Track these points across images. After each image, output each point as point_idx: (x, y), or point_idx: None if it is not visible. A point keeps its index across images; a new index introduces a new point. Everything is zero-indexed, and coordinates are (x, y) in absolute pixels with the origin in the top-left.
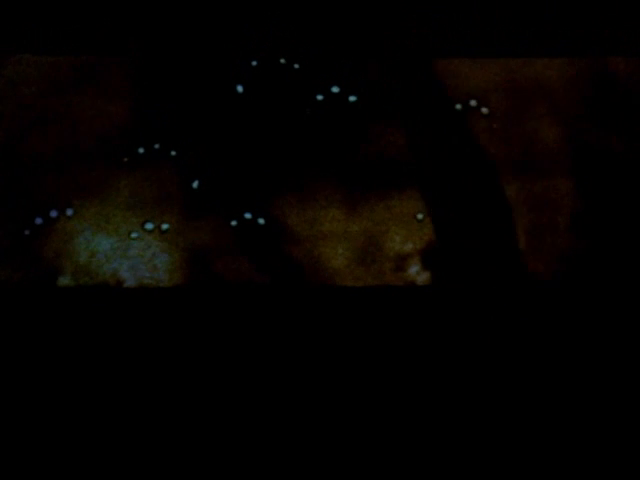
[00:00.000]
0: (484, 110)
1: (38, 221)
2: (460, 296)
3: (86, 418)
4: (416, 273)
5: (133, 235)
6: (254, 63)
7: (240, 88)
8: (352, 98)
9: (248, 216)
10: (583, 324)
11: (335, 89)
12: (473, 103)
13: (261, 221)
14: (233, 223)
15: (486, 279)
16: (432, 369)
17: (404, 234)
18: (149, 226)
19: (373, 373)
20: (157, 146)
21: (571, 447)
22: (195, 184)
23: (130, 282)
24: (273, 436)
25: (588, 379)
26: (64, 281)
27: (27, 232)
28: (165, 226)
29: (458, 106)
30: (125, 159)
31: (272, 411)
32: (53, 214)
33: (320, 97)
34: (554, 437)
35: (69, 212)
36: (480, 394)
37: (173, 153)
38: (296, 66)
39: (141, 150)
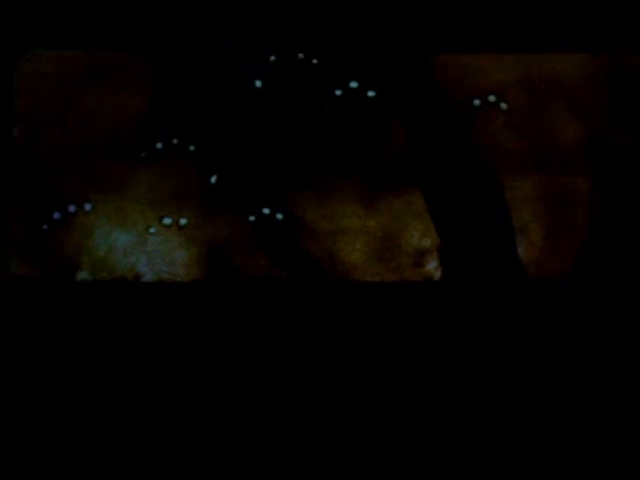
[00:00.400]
0: (503, 105)
1: (56, 216)
2: (472, 291)
3: (101, 408)
4: (434, 269)
5: (151, 230)
6: (272, 58)
7: (258, 83)
8: (371, 93)
9: (266, 211)
10: (599, 320)
11: (354, 84)
12: (492, 98)
13: (279, 216)
14: (251, 218)
15: (494, 275)
16: (447, 363)
17: (422, 230)
18: (167, 221)
19: (389, 367)
20: (175, 141)
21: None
22: (213, 179)
23: (148, 277)
24: (287, 425)
25: (601, 375)
26: (82, 275)
27: (45, 227)
28: (183, 221)
29: (477, 101)
30: (143, 154)
31: (287, 403)
32: (71, 209)
33: (339, 92)
34: (563, 428)
35: (87, 207)
36: (499, 385)
37: (191, 148)
38: (314, 61)
39: (159, 145)
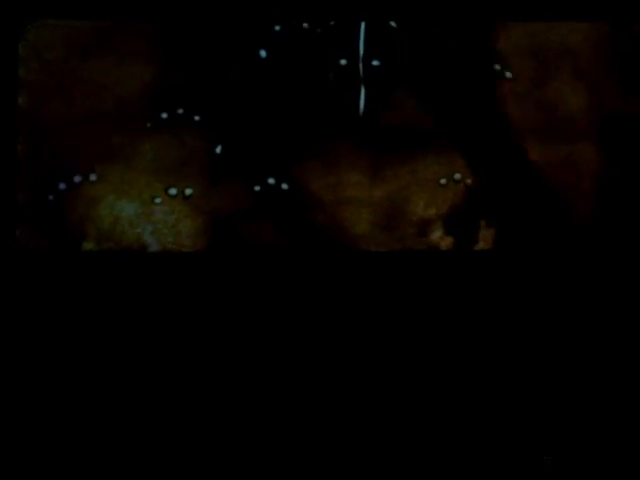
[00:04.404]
0: (508, 74)
1: (62, 186)
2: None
3: (107, 379)
4: (439, 238)
5: (157, 200)
6: (277, 28)
7: (263, 53)
8: (375, 62)
9: (271, 181)
10: (603, 288)
11: (359, 53)
12: (497, 67)
13: (284, 186)
14: (256, 188)
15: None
16: (452, 333)
17: (427, 199)
18: (173, 191)
19: (394, 337)
20: (180, 111)
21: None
22: (218, 149)
23: (154, 247)
24: (294, 394)
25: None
26: (88, 246)
27: (51, 197)
28: (189, 191)
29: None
30: (148, 124)
31: (292, 373)
32: (77, 179)
33: (344, 62)
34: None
35: (92, 177)
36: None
37: (196, 118)
38: (319, 30)
39: (164, 115)
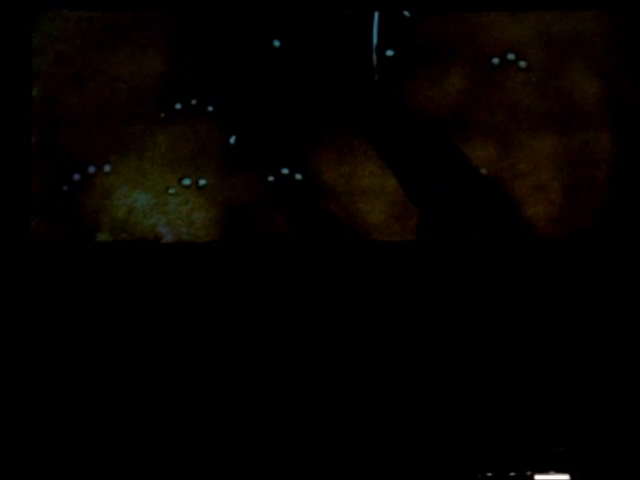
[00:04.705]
0: (522, 64)
1: (76, 177)
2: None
3: (120, 366)
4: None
5: (171, 191)
6: (291, 18)
7: (277, 43)
8: (389, 52)
9: (285, 171)
10: (619, 276)
11: (374, 42)
12: (511, 57)
13: (298, 176)
14: (270, 178)
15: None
16: (465, 322)
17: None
18: (187, 182)
19: (408, 325)
20: (194, 102)
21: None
22: (232, 139)
23: (168, 238)
24: (309, 379)
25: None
26: (102, 237)
27: (65, 188)
28: (202, 182)
29: (495, 60)
30: (162, 115)
31: (306, 358)
32: (91, 170)
33: (357, 51)
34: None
35: (107, 168)
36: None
37: (210, 109)
38: (333, 20)
39: (178, 106)
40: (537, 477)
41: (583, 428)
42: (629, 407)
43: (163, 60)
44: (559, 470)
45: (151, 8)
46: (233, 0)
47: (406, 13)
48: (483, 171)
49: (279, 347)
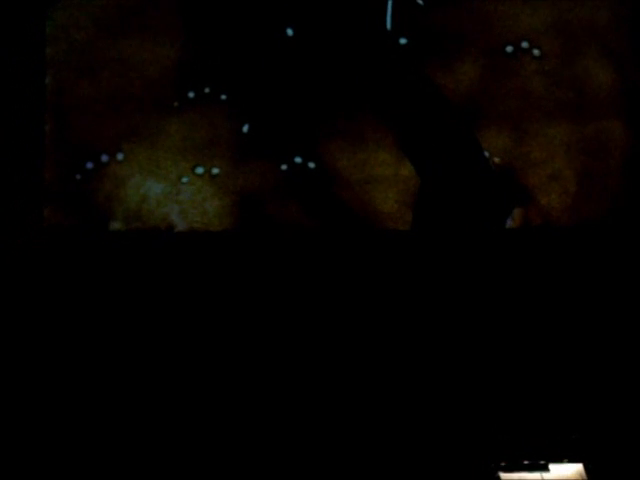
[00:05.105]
0: (535, 52)
1: (89, 165)
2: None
3: (133, 354)
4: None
5: (184, 179)
6: (304, 7)
7: (290, 31)
8: (403, 41)
9: (298, 160)
10: (633, 264)
11: (388, 31)
12: (524, 45)
13: (311, 165)
14: (283, 167)
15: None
16: (477, 311)
17: None
18: (199, 170)
19: (422, 314)
20: (207, 90)
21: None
22: (245, 128)
23: (181, 226)
24: (319, 365)
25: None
26: (115, 225)
27: (78, 177)
28: (215, 170)
29: (509, 48)
30: (175, 103)
31: (318, 347)
32: (104, 158)
33: (369, 40)
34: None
35: (120, 156)
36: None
37: (223, 97)
38: (347, 9)
39: (191, 94)
40: (551, 466)
41: (597, 416)
42: None
43: (176, 48)
44: (573, 459)
45: None
46: None
47: (420, 1)
48: (496, 159)
49: (291, 336)
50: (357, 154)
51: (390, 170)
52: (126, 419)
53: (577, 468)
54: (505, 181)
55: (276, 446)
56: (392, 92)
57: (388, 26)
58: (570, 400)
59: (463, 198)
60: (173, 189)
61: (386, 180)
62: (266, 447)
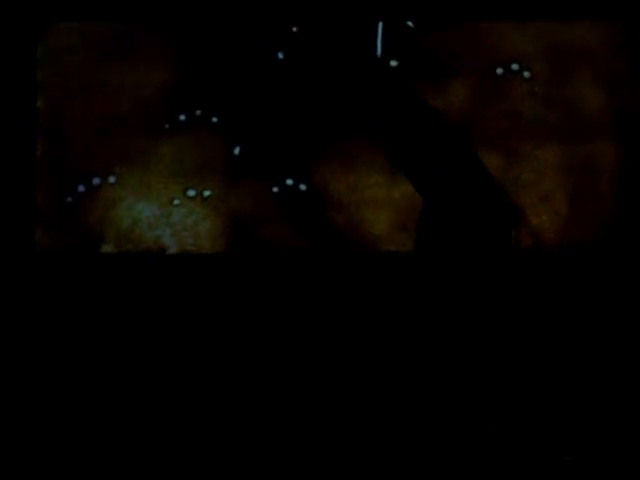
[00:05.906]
0: (526, 74)
1: (81, 188)
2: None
3: (125, 379)
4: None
5: (175, 202)
6: (294, 30)
7: (280, 55)
8: (394, 63)
9: (290, 182)
10: (623, 287)
11: (377, 54)
12: (515, 67)
13: (303, 187)
14: (275, 189)
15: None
16: (470, 332)
17: None
18: (191, 193)
19: (413, 336)
20: (198, 112)
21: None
22: (237, 150)
23: (173, 249)
24: (313, 387)
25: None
26: (107, 248)
27: (70, 199)
28: (207, 193)
29: (499, 70)
30: (166, 126)
31: (312, 372)
32: (96, 181)
33: (360, 62)
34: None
35: (111, 179)
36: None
37: (214, 119)
38: (335, 32)
39: (182, 117)
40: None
41: (587, 439)
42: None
43: (167, 71)
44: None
45: (155, 20)
46: (238, 11)
47: (410, 24)
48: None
49: (284, 358)
50: (349, 176)
51: (382, 192)
52: (113, 446)
53: None
54: (508, 200)
55: (272, 455)
56: (384, 113)
57: (378, 50)
58: (554, 429)
59: (467, 217)
60: (165, 212)
61: (378, 202)
62: (261, 457)
